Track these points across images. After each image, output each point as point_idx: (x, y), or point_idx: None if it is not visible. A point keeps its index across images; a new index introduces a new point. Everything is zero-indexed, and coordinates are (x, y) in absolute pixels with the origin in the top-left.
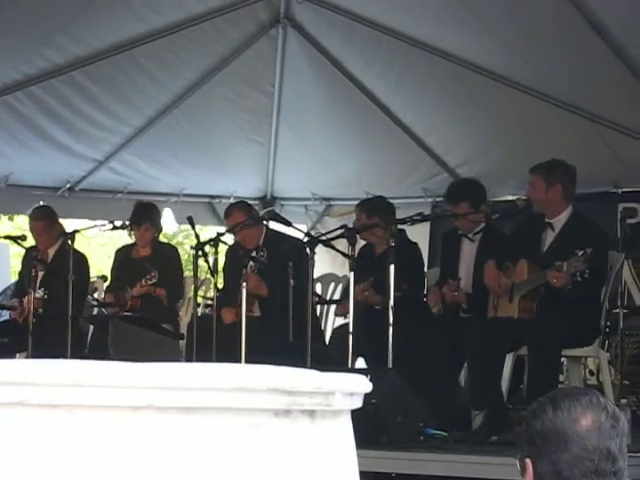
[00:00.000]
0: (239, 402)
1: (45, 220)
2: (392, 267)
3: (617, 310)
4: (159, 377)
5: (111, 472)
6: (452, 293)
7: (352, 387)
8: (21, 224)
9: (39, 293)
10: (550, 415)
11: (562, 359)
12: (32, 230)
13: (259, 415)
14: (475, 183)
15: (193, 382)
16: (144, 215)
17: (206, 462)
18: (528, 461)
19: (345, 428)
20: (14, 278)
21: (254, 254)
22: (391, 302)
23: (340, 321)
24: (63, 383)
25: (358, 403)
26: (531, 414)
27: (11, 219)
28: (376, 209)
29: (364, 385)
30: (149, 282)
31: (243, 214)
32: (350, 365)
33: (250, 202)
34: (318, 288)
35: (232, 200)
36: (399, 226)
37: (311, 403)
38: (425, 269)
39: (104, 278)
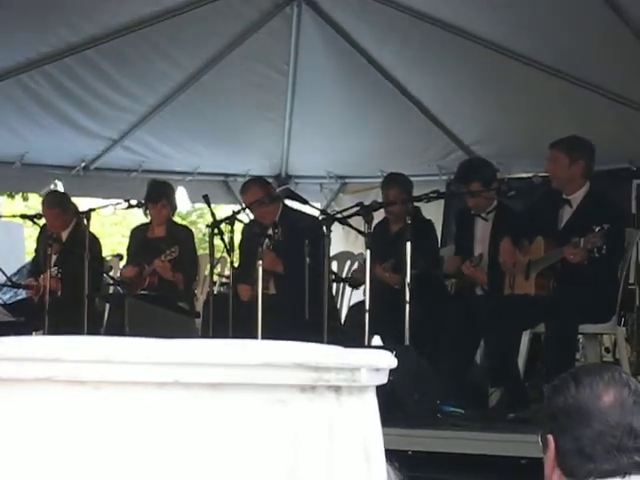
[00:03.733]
0: (266, 378)
1: (56, 208)
2: (408, 245)
3: (633, 286)
4: (185, 353)
5: (138, 448)
6: (472, 268)
7: (378, 363)
8: (35, 204)
9: (53, 272)
10: (572, 391)
11: (578, 336)
12: (45, 215)
13: (285, 391)
14: (483, 162)
15: (220, 358)
16: (160, 193)
17: (232, 438)
18: (550, 437)
19: (371, 404)
20: (29, 258)
21: (269, 232)
22: (407, 280)
23: (356, 299)
24: (91, 359)
25: (383, 379)
26: (553, 391)
27: (25, 199)
28: (406, 184)
29: (390, 361)
30: (169, 257)
31: (260, 190)
32: (366, 343)
33: None
34: (334, 266)
35: (247, 178)
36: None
37: (337, 379)
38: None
39: (120, 257)
